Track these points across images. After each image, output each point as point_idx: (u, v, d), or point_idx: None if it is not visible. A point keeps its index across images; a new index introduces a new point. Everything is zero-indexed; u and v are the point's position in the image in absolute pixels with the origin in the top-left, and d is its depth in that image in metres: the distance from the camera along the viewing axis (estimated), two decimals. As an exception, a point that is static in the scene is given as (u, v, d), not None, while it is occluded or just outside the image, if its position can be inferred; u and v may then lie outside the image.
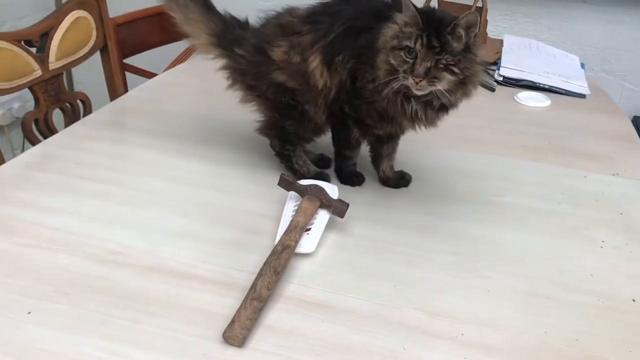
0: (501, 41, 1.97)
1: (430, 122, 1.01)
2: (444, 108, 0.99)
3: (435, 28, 0.90)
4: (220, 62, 1.16)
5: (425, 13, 0.91)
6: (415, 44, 0.90)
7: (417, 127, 1.03)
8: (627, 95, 2.38)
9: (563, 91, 1.69)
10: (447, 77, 0.91)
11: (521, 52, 1.91)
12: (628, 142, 1.40)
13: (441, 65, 0.90)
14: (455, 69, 0.91)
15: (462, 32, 0.90)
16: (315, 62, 1.02)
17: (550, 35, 2.37)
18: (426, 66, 0.90)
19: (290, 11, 1.09)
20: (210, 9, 1.15)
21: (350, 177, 1.15)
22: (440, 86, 0.92)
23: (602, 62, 2.36)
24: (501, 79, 1.73)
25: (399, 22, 0.94)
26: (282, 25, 1.08)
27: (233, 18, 1.15)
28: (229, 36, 1.12)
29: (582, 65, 1.89)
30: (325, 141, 1.17)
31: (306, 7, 1.07)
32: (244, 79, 1.13)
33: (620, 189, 1.18)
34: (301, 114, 1.09)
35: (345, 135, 1.10)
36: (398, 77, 0.92)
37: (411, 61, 0.91)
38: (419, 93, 0.93)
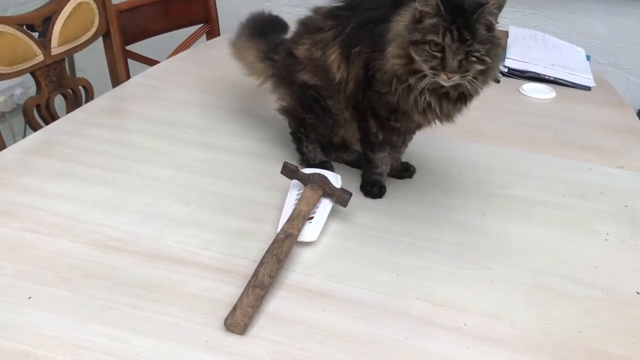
0: (507, 32, 1.95)
1: (447, 115, 0.97)
2: (462, 99, 0.95)
3: (462, 17, 0.84)
4: (268, 72, 1.20)
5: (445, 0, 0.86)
6: (443, 38, 0.85)
7: (431, 121, 0.99)
8: (633, 88, 2.36)
9: (568, 83, 1.68)
10: (478, 67, 0.87)
11: (526, 43, 1.89)
12: (633, 135, 1.39)
13: (473, 58, 0.86)
14: (487, 58, 0.87)
15: (491, 18, 0.86)
16: (333, 55, 1.01)
17: (556, 28, 2.35)
18: (458, 60, 0.86)
19: (315, 10, 1.09)
20: (259, 35, 1.23)
21: (366, 185, 1.09)
22: (481, 68, 0.88)
23: (607, 55, 2.35)
24: (506, 70, 1.71)
25: (413, 12, 0.89)
26: (306, 23, 1.10)
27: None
28: (272, 46, 1.19)
29: (588, 58, 1.88)
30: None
31: (330, 4, 1.06)
32: (282, 82, 1.15)
33: (625, 181, 1.17)
34: (322, 108, 1.08)
35: (365, 129, 1.06)
36: (425, 74, 0.88)
37: (439, 55, 0.86)
38: (447, 84, 0.89)
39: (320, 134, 1.13)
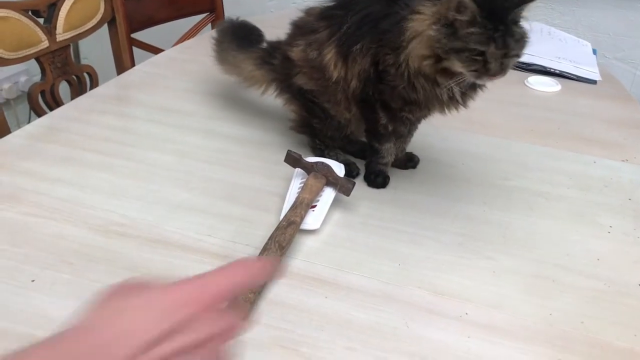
0: (513, 25, 1.94)
1: (465, 103, 0.98)
2: (477, 86, 0.96)
3: (500, 19, 0.84)
4: (269, 78, 1.19)
5: (480, 5, 0.84)
6: (489, 47, 0.85)
7: (450, 110, 0.99)
8: (639, 82, 2.35)
9: (574, 77, 1.67)
10: (514, 63, 0.89)
11: (532, 36, 1.87)
12: (638, 129, 1.38)
13: (512, 57, 0.88)
14: (522, 53, 0.89)
15: (524, 14, 0.86)
16: (330, 54, 1.00)
17: (562, 21, 2.34)
18: (500, 62, 0.87)
19: (306, 11, 1.09)
20: (251, 46, 1.22)
21: (370, 175, 1.09)
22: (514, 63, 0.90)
23: (614, 50, 2.33)
24: (512, 62, 1.70)
25: (439, 13, 0.87)
26: (299, 25, 1.09)
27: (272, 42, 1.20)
28: (269, 50, 1.18)
29: (594, 52, 1.87)
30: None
31: (322, 4, 1.05)
32: (283, 86, 1.15)
33: (629, 175, 1.17)
34: (323, 111, 1.08)
35: (373, 121, 1.05)
36: (463, 76, 0.89)
37: (481, 59, 0.86)
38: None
39: (331, 137, 1.13)
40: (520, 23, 0.88)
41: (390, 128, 1.04)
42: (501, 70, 0.88)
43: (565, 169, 1.18)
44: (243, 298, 0.75)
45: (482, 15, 0.84)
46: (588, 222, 1.01)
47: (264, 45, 1.21)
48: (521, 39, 0.88)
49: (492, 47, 0.85)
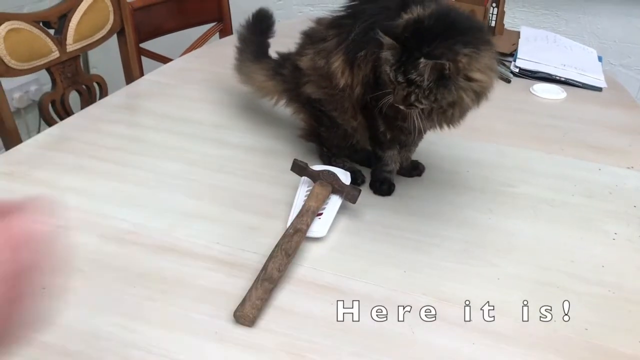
0: (518, 33, 1.96)
1: (440, 123, 0.98)
2: (453, 107, 0.93)
3: (405, 63, 0.87)
4: (280, 88, 1.21)
5: (404, 41, 0.87)
6: (389, 72, 0.89)
7: (432, 124, 0.99)
8: (645, 90, 2.35)
9: (579, 84, 1.67)
10: (421, 106, 0.90)
11: (538, 44, 1.89)
12: (644, 136, 1.39)
13: (412, 97, 0.89)
14: (425, 102, 0.89)
15: (426, 77, 0.85)
16: (337, 62, 1.02)
17: (567, 28, 2.35)
18: (402, 94, 0.89)
19: (317, 20, 1.11)
20: (263, 55, 1.27)
21: (375, 182, 1.10)
22: (422, 107, 0.90)
23: (620, 57, 2.34)
24: (517, 70, 1.71)
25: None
26: (309, 34, 1.11)
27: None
28: (280, 62, 1.21)
29: (600, 59, 1.87)
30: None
31: (332, 14, 1.07)
32: (292, 95, 1.17)
33: (635, 182, 1.17)
34: (330, 120, 1.10)
35: (374, 128, 1.07)
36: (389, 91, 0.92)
37: (395, 82, 0.90)
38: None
39: (336, 146, 1.14)
40: (453, 76, 0.86)
41: (389, 136, 1.05)
42: (402, 101, 0.90)
43: (571, 176, 1.18)
44: (251, 305, 0.76)
45: (404, 45, 0.87)
46: (593, 228, 1.02)
47: (276, 56, 1.23)
48: (433, 89, 0.87)
49: (392, 75, 0.89)
